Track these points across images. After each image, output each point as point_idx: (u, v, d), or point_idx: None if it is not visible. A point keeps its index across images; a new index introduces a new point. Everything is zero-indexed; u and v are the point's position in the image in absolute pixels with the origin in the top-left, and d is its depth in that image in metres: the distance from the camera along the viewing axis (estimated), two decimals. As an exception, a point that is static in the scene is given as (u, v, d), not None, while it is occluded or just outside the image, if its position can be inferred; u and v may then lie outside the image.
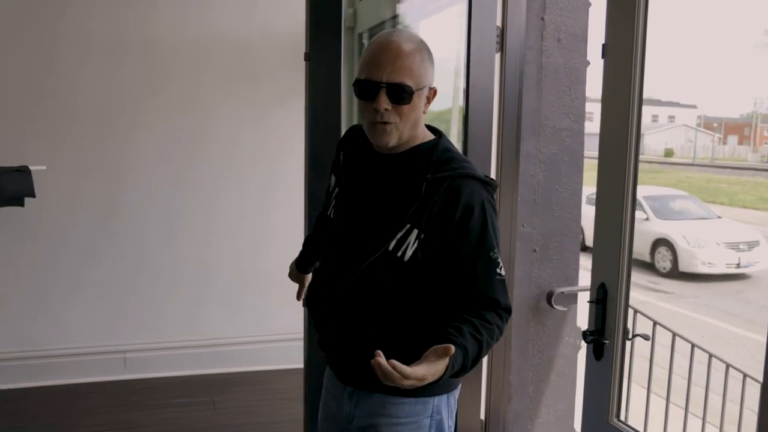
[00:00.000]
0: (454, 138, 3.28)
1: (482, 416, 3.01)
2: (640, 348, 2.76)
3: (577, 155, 2.95)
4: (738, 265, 9.49)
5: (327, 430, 1.95)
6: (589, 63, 2.91)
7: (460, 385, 1.86)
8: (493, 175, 2.82)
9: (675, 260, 9.70)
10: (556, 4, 2.83)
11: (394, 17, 3.98)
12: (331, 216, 1.82)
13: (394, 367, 1.41)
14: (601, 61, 2.15)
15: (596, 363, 2.16)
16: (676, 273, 9.64)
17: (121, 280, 4.41)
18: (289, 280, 2.27)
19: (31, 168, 4.03)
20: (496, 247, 1.69)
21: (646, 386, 3.21)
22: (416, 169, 1.69)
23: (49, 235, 4.30)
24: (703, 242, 9.67)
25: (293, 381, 1.89)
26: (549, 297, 2.92)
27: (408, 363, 1.47)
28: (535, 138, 2.85)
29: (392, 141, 1.67)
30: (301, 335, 2.82)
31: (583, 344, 2.27)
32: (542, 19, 2.81)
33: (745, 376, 3.54)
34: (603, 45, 2.12)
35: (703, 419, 3.42)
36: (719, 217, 10.69)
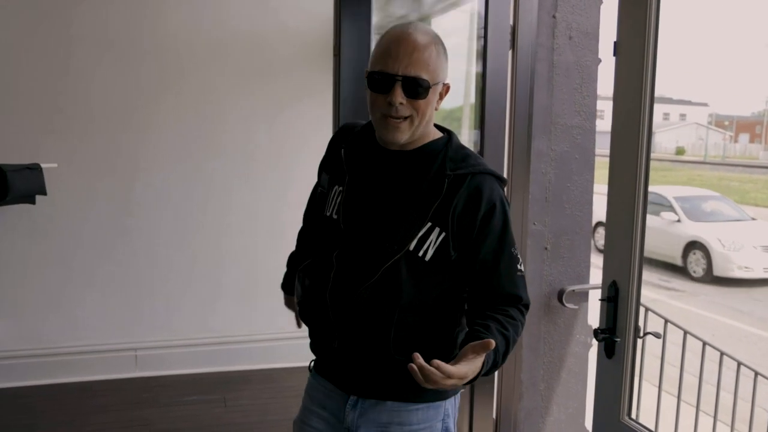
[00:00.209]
0: (466, 136, 3.28)
1: (493, 414, 3.02)
2: (651, 346, 2.76)
3: (588, 153, 2.94)
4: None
5: None
6: (600, 61, 2.91)
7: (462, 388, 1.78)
8: (504, 173, 2.83)
9: (709, 264, 9.22)
10: (568, 2, 2.83)
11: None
12: (334, 217, 1.72)
13: (438, 368, 1.37)
14: (613, 59, 2.14)
15: (608, 361, 2.16)
16: (710, 278, 9.18)
17: (133, 278, 4.42)
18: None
19: (43, 165, 4.05)
20: (515, 243, 1.71)
21: (658, 384, 3.20)
22: (432, 167, 1.66)
23: (60, 233, 4.32)
24: (738, 245, 9.18)
25: (305, 379, 1.85)
26: (560, 295, 2.92)
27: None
28: (547, 136, 2.85)
29: (404, 137, 1.63)
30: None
31: (594, 342, 2.27)
32: (554, 16, 2.81)
33: (756, 374, 3.53)
34: (615, 43, 2.11)
35: (715, 417, 3.41)
36: (753, 219, 10.23)
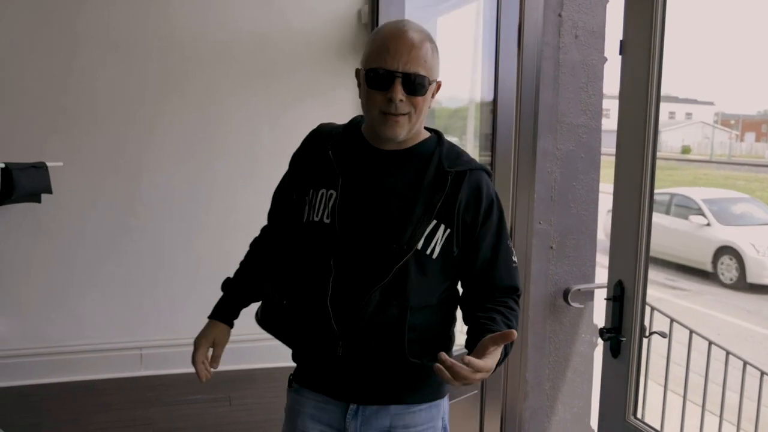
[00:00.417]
0: (471, 135, 3.27)
1: (499, 413, 3.01)
2: (656, 345, 2.75)
3: (594, 152, 2.94)
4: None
5: None
6: (606, 59, 2.90)
7: None
8: (510, 173, 2.82)
9: (742, 270, 8.65)
10: (574, 1, 2.82)
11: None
12: (326, 221, 1.65)
13: (469, 363, 1.38)
14: (619, 58, 2.14)
15: (613, 360, 2.15)
16: (743, 285, 8.61)
17: (137, 277, 4.43)
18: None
19: (48, 164, 4.05)
20: (509, 235, 1.77)
21: (663, 384, 3.19)
22: (429, 165, 1.67)
23: (65, 232, 4.33)
24: (774, 250, 8.56)
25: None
26: (565, 294, 2.91)
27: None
28: (552, 135, 2.84)
29: (403, 133, 1.63)
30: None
31: (600, 341, 2.26)
32: (559, 15, 2.80)
33: (762, 373, 3.52)
34: (621, 41, 2.11)
35: (720, 417, 3.40)
36: (788, 221, 9.56)
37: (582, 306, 2.96)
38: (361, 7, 4.58)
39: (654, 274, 8.74)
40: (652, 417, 2.37)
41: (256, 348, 4.59)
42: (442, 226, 1.63)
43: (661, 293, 8.47)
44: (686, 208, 9.59)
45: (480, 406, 2.95)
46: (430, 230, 1.63)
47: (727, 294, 8.70)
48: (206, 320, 1.94)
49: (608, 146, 2.63)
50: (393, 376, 1.68)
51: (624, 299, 2.11)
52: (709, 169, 18.96)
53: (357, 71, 1.67)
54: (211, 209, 4.44)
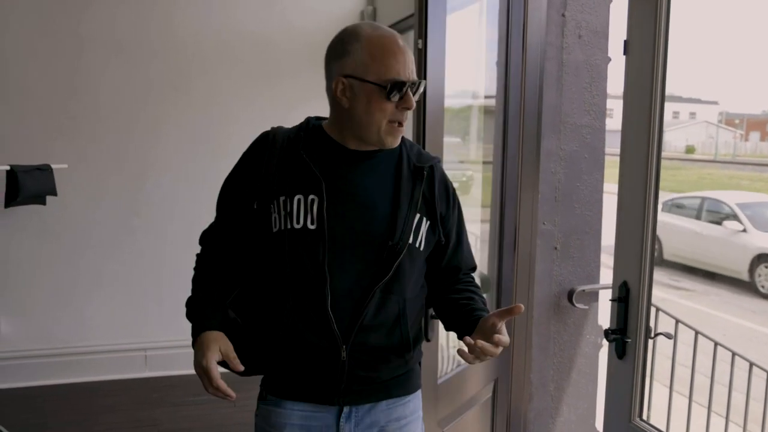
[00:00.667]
0: (474, 136, 3.26)
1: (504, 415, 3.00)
2: (661, 346, 2.74)
3: (597, 152, 2.93)
4: None
5: None
6: (610, 59, 2.89)
7: None
8: (515, 173, 2.82)
9: None
10: (577, 1, 2.82)
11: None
12: (310, 227, 1.60)
13: (498, 342, 1.48)
14: (622, 58, 2.13)
15: (619, 362, 2.15)
16: None
17: (142, 278, 4.43)
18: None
19: (53, 166, 4.06)
20: None
21: (669, 385, 3.18)
22: (402, 162, 1.70)
23: (70, 234, 4.34)
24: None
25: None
26: (570, 295, 2.91)
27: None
28: (556, 135, 2.83)
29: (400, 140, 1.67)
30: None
31: (605, 342, 2.26)
32: (563, 15, 2.79)
33: (769, 374, 3.51)
34: (625, 41, 2.10)
35: (726, 418, 3.39)
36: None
37: (586, 307, 2.95)
38: (364, 7, 4.59)
39: (659, 275, 8.68)
40: (657, 418, 2.36)
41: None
42: (424, 219, 1.69)
43: (666, 294, 8.44)
44: (716, 212, 9.22)
45: (492, 409, 2.95)
46: (416, 224, 1.67)
47: (764, 305, 8.39)
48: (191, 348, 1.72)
49: (612, 146, 2.62)
50: (388, 372, 1.71)
51: (629, 300, 2.11)
52: (713, 168, 18.92)
53: (347, 82, 1.59)
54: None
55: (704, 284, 9.05)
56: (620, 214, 2.17)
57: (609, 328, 2.16)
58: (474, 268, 1.85)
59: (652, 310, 2.17)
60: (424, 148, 2.39)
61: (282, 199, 1.63)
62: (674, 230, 9.41)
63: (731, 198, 9.43)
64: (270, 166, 1.67)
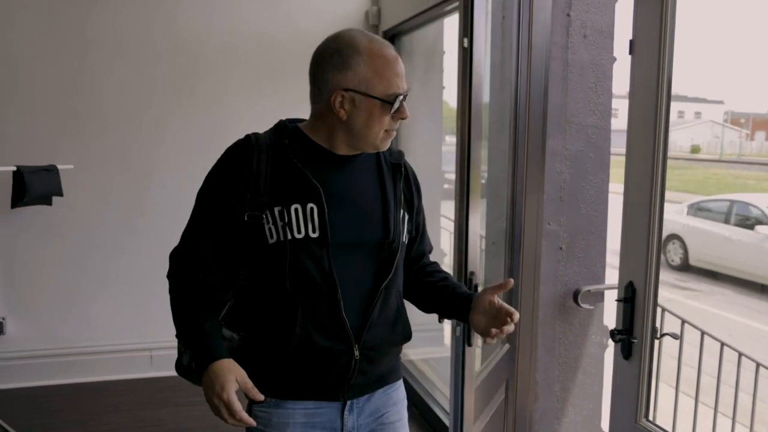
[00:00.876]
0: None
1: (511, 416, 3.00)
2: (667, 347, 2.73)
3: (603, 152, 2.92)
4: None
5: None
6: (615, 59, 2.88)
7: None
8: (519, 173, 2.82)
9: None
10: (582, 0, 2.81)
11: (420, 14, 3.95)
12: (313, 235, 1.60)
13: (513, 320, 1.62)
14: (627, 57, 2.13)
15: (625, 362, 2.14)
16: None
17: (147, 278, 4.43)
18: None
19: (59, 167, 4.07)
20: None
21: (675, 386, 3.17)
22: (381, 163, 1.75)
23: (76, 234, 4.35)
24: None
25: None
26: (575, 295, 2.90)
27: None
28: (561, 135, 2.83)
29: None
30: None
31: (610, 343, 2.25)
32: (568, 15, 2.79)
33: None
34: (630, 41, 2.09)
35: (733, 419, 3.38)
36: None
37: (592, 307, 2.94)
38: (369, 8, 4.58)
39: (665, 275, 8.61)
40: (663, 419, 2.36)
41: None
42: (405, 213, 1.76)
43: (671, 294, 8.42)
44: (748, 216, 8.87)
45: (504, 409, 2.96)
46: (401, 219, 1.75)
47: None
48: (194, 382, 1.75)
49: (617, 146, 2.62)
50: (387, 362, 1.79)
51: (635, 300, 2.10)
52: (719, 168, 18.86)
53: (347, 95, 1.59)
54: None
55: (710, 284, 9.02)
56: (626, 214, 2.16)
57: (615, 329, 2.15)
58: (432, 249, 1.95)
59: (658, 310, 2.17)
60: (469, 145, 2.49)
61: (277, 209, 1.61)
62: (700, 234, 9.15)
63: (763, 201, 9.06)
64: (259, 175, 1.64)
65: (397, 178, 1.75)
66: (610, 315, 2.49)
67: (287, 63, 4.48)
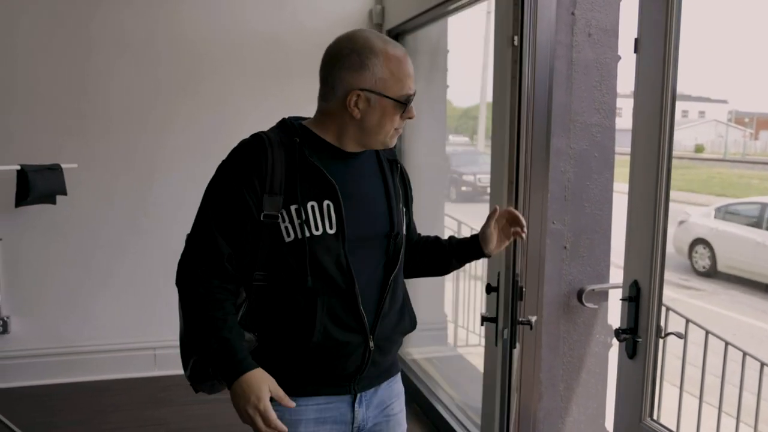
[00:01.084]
0: (482, 134, 3.25)
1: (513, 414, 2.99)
2: (671, 346, 2.73)
3: (607, 151, 2.91)
4: None
5: None
6: (620, 58, 2.88)
7: None
8: (523, 172, 2.81)
9: None
10: (587, -1, 2.80)
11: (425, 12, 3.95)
12: (330, 232, 1.65)
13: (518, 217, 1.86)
14: (633, 56, 2.12)
15: (629, 362, 2.13)
16: None
17: (150, 277, 4.44)
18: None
19: (63, 166, 4.08)
20: None
21: (679, 385, 3.17)
22: (381, 159, 1.83)
23: (79, 233, 4.35)
24: None
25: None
26: (579, 294, 2.89)
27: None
28: (566, 134, 2.82)
29: None
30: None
31: (615, 342, 2.25)
32: (572, 13, 2.78)
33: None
34: (635, 39, 2.09)
35: (737, 418, 3.37)
36: None
37: (596, 306, 2.93)
38: (373, 7, 4.58)
39: (668, 274, 8.49)
40: (667, 418, 2.35)
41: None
42: (403, 207, 1.85)
43: (675, 293, 8.39)
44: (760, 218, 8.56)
45: (516, 407, 2.95)
46: (402, 213, 1.83)
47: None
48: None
49: (621, 145, 2.61)
50: (393, 353, 1.86)
51: (640, 299, 2.10)
52: (722, 167, 18.81)
53: (363, 95, 1.63)
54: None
55: (714, 284, 8.97)
56: (631, 213, 2.16)
57: (619, 328, 2.15)
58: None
59: (663, 309, 2.16)
60: (518, 144, 2.57)
61: (294, 207, 1.64)
62: (730, 239, 8.63)
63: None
64: (274, 173, 1.65)
65: (394, 173, 1.83)
66: (614, 314, 2.48)
67: (292, 63, 4.48)
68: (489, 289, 2.52)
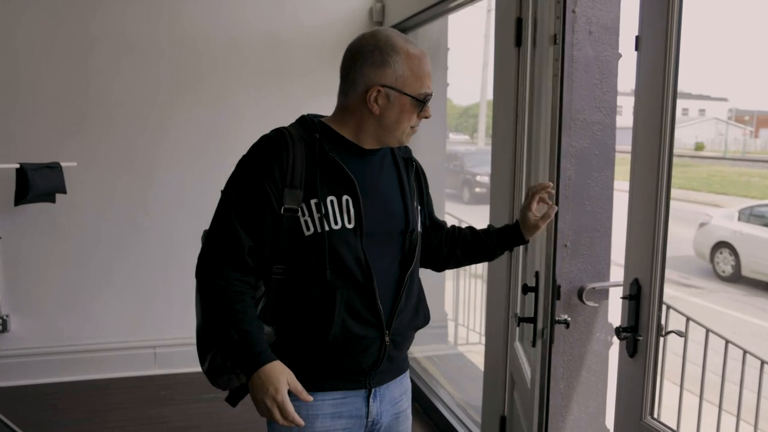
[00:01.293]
0: (482, 133, 3.25)
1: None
2: (672, 344, 2.72)
3: (608, 149, 2.91)
4: None
5: None
6: (620, 56, 2.87)
7: None
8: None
9: None
10: (588, -4, 2.79)
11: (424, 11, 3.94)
12: (348, 226, 1.68)
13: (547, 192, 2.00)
14: (633, 54, 2.12)
15: (630, 360, 2.13)
16: None
17: (150, 276, 4.44)
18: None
19: (63, 164, 4.07)
20: None
21: (679, 383, 3.17)
22: (396, 157, 1.87)
23: (79, 231, 4.35)
24: None
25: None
26: (580, 292, 2.89)
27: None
28: (566, 132, 2.81)
29: None
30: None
31: (615, 340, 2.24)
32: (573, 11, 2.77)
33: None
34: (636, 37, 2.09)
35: (737, 416, 3.37)
36: None
37: (597, 305, 2.93)
38: (373, 4, 4.58)
39: (668, 272, 8.44)
40: (667, 416, 2.35)
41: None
42: (418, 204, 1.87)
43: (676, 291, 8.39)
44: None
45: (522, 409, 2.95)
46: (417, 210, 1.85)
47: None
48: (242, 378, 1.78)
49: (622, 143, 2.61)
50: (406, 348, 1.89)
51: (640, 298, 2.09)
52: (722, 165, 18.83)
53: (383, 91, 1.68)
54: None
55: (714, 282, 8.97)
56: (631, 211, 2.15)
57: (620, 326, 2.14)
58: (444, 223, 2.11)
59: (663, 307, 2.16)
60: (559, 145, 2.47)
61: (314, 202, 1.66)
62: (755, 243, 8.40)
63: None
64: (295, 168, 1.67)
65: (409, 171, 1.87)
66: (615, 312, 2.48)
67: (292, 61, 4.48)
68: (526, 289, 2.49)
